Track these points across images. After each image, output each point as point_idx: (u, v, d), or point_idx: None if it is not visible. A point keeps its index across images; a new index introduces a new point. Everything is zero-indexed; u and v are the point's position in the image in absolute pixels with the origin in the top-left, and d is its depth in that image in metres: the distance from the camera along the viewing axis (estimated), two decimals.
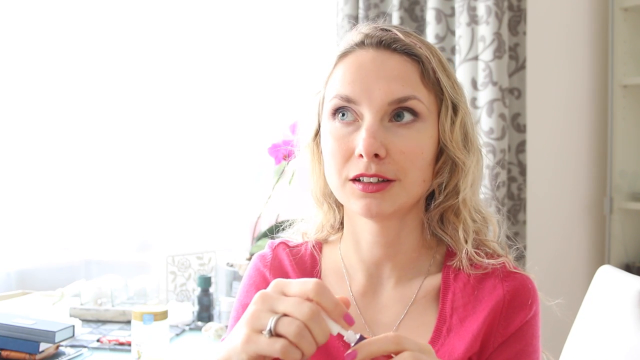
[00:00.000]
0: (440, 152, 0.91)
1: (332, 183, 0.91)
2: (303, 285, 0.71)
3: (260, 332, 0.70)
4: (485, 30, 2.16)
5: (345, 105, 0.87)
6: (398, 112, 0.86)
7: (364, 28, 0.93)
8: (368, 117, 0.86)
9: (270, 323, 0.69)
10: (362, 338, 0.70)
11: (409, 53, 0.88)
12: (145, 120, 2.18)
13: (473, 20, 2.19)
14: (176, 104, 2.20)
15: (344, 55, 0.91)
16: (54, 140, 2.08)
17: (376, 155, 0.84)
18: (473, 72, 2.20)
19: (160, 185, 2.20)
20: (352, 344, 0.70)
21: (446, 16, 2.23)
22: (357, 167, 0.85)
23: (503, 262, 0.93)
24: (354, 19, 2.19)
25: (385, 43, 0.89)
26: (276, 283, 0.73)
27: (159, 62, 2.17)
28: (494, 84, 2.16)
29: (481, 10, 2.17)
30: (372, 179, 0.85)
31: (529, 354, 0.90)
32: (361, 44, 0.91)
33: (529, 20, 2.29)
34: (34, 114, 2.05)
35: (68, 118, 2.09)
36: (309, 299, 0.70)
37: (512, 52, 2.26)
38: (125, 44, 2.13)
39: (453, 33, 2.24)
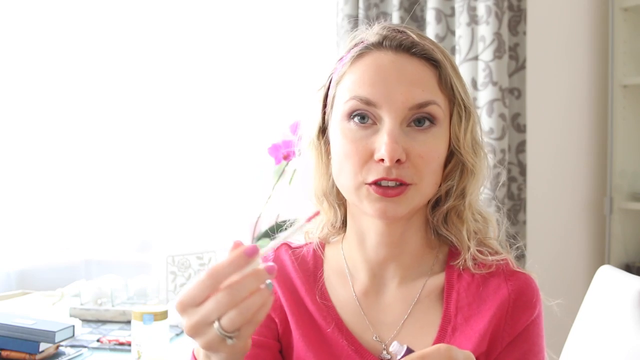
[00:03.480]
0: (450, 155, 0.91)
1: (345, 184, 0.89)
2: (200, 284, 0.69)
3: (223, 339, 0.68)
4: (485, 30, 2.16)
5: (364, 107, 0.86)
6: (417, 117, 0.86)
7: (379, 29, 0.91)
8: (388, 121, 0.85)
9: (218, 330, 0.68)
10: (409, 350, 0.69)
11: (427, 58, 0.88)
12: (145, 121, 2.18)
13: (473, 20, 2.19)
14: (176, 104, 2.20)
15: (359, 55, 0.89)
16: (54, 140, 2.08)
17: (397, 160, 0.84)
18: (473, 72, 2.20)
19: (160, 185, 2.20)
20: (399, 356, 0.69)
21: (446, 16, 2.22)
22: (377, 171, 0.84)
23: (506, 258, 0.94)
24: (354, 19, 2.19)
25: (404, 46, 0.88)
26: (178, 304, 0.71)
27: (159, 63, 2.17)
28: (494, 84, 2.16)
29: (481, 10, 2.17)
30: (390, 183, 0.85)
31: (535, 353, 0.91)
32: (379, 45, 0.89)
33: (529, 20, 2.29)
34: (34, 115, 2.06)
35: (68, 119, 2.09)
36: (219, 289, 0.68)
37: (512, 52, 2.26)
38: (125, 45, 2.14)
39: (453, 33, 2.24)
